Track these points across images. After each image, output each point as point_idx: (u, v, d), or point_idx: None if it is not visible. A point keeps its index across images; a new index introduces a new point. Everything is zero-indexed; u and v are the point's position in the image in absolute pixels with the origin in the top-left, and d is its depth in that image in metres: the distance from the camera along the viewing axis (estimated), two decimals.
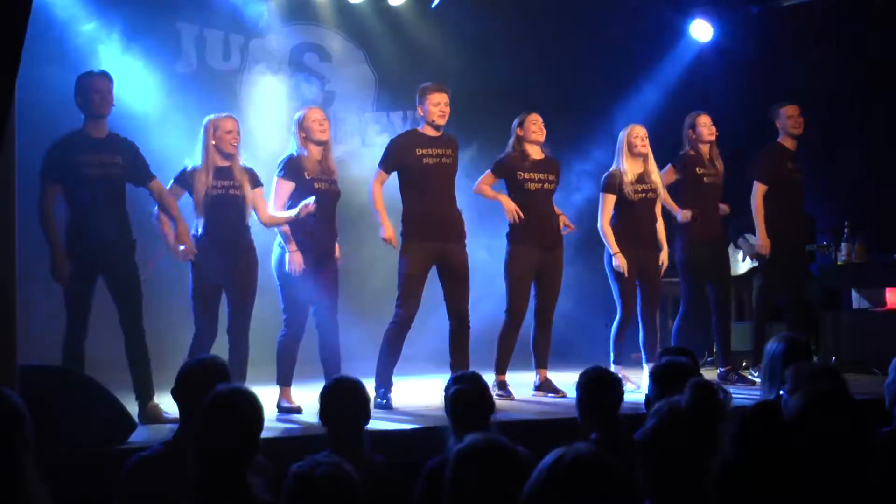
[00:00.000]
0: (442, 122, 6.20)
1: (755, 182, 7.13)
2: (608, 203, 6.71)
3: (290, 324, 5.87)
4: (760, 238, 7.07)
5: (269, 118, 8.66)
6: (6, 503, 2.44)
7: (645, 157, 6.75)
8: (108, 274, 5.48)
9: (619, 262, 6.59)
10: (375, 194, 6.16)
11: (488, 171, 6.63)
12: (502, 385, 6.34)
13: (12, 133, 4.00)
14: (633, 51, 9.59)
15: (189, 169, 5.79)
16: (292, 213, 5.72)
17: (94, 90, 5.45)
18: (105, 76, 5.54)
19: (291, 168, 5.91)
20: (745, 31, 9.45)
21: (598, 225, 6.73)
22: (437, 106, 6.17)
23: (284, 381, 5.82)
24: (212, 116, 5.89)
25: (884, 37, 8.69)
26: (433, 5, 9.20)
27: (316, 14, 9.13)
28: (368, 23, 9.26)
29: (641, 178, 6.72)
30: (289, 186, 5.88)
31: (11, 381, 3.82)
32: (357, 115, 9.38)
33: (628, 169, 6.70)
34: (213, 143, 5.78)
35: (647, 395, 3.68)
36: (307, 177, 5.88)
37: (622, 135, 6.80)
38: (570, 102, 9.49)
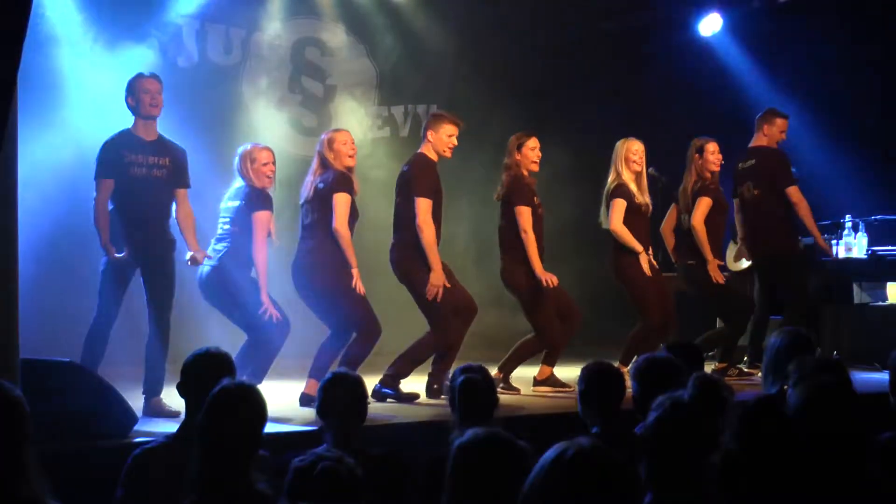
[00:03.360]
0: (448, 155, 6.17)
1: (787, 189, 7.01)
2: (621, 206, 6.57)
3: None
4: (822, 243, 7.11)
5: (269, 112, 8.68)
6: (7, 496, 2.44)
7: (639, 174, 6.70)
8: (145, 268, 5.56)
9: (644, 261, 6.53)
10: (431, 235, 6.01)
11: (520, 206, 6.33)
12: (505, 380, 6.33)
13: (14, 130, 3.99)
14: (635, 45, 9.59)
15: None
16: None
17: (144, 91, 5.56)
18: (155, 78, 5.64)
19: (349, 184, 5.90)
20: (746, 26, 9.45)
21: (612, 227, 6.56)
22: (451, 138, 6.12)
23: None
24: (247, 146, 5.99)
25: (884, 32, 8.70)
26: None
27: (317, 8, 9.13)
28: (370, 17, 9.26)
29: (640, 190, 6.69)
30: (349, 200, 5.86)
31: (12, 375, 3.82)
32: (358, 110, 9.37)
33: (628, 179, 6.64)
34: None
35: (633, 395, 3.69)
36: (354, 195, 5.91)
37: (619, 147, 6.69)
38: (571, 97, 9.49)
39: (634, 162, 6.65)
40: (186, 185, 5.74)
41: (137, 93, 5.56)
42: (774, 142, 7.14)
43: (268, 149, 6.00)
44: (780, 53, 9.39)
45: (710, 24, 9.38)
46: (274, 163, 5.95)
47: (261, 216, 5.78)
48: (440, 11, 9.29)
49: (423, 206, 6.01)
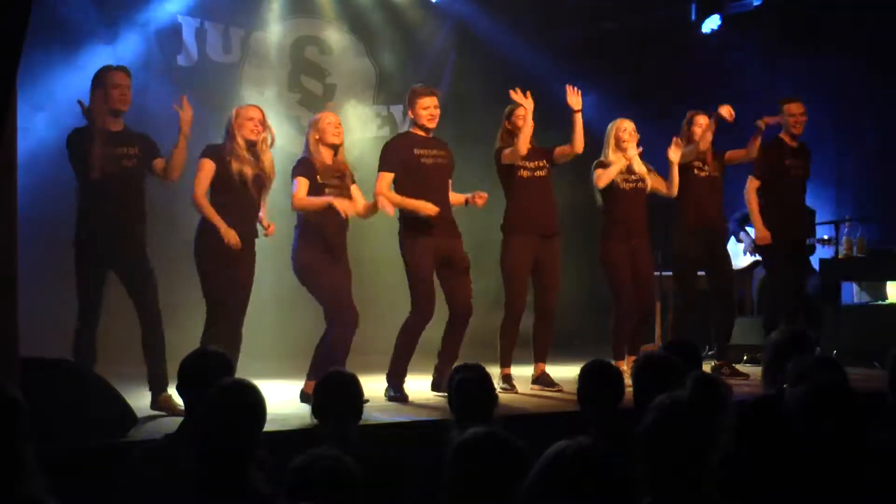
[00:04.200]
0: (432, 125, 6.18)
1: (749, 176, 7.15)
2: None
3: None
4: (757, 230, 7.09)
5: (269, 111, 8.65)
6: (6, 496, 2.44)
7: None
8: (119, 267, 5.45)
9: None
10: (392, 196, 6.06)
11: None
12: (507, 378, 6.33)
13: (13, 128, 3.99)
14: (635, 45, 9.58)
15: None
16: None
17: (113, 85, 5.42)
18: (124, 71, 5.51)
19: (305, 168, 5.89)
20: (747, 25, 9.45)
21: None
22: (427, 110, 6.15)
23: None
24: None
25: (887, 32, 8.70)
26: None
27: (317, 7, 9.13)
28: (369, 16, 9.26)
29: (629, 169, 6.75)
30: (306, 183, 5.84)
31: (12, 374, 3.82)
32: (358, 109, 9.37)
33: (615, 161, 6.69)
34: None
35: (633, 394, 3.71)
36: (319, 180, 5.87)
37: (610, 128, 6.80)
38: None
39: (624, 140, 6.69)
40: (157, 156, 5.59)
41: (106, 87, 5.40)
42: (787, 130, 7.14)
43: (257, 107, 5.91)
44: (780, 53, 9.39)
45: (711, 25, 9.38)
46: (262, 122, 5.77)
47: (200, 163, 5.65)
48: (440, 11, 9.29)
49: (381, 180, 6.08)
